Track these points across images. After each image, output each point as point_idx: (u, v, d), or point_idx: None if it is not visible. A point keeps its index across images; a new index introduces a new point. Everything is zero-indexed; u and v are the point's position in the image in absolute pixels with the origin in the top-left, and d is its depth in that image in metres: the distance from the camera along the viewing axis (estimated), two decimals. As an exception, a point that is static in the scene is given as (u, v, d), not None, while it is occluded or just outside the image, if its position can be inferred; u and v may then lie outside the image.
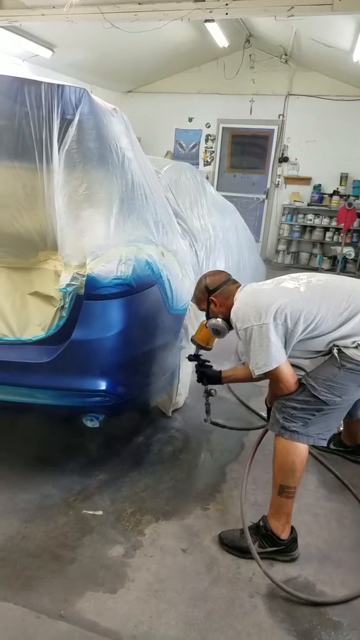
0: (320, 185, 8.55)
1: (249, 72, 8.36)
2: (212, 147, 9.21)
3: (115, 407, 2.45)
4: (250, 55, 8.22)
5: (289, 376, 2.06)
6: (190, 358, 2.64)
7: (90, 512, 2.35)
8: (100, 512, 2.35)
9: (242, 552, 2.13)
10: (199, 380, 2.60)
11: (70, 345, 2.21)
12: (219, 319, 2.30)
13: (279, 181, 8.84)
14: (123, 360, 2.37)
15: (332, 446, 2.88)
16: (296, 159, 8.70)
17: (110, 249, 2.23)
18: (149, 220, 2.51)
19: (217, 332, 2.35)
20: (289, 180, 8.79)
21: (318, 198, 8.50)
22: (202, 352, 2.58)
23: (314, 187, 8.59)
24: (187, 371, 3.25)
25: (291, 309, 2.00)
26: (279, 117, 8.62)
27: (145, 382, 2.61)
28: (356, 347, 2.01)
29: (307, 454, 2.09)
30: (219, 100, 8.74)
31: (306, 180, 8.67)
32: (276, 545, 2.11)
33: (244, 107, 8.66)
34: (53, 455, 2.77)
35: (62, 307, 2.23)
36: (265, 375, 2.07)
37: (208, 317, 2.37)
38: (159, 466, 2.73)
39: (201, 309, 2.43)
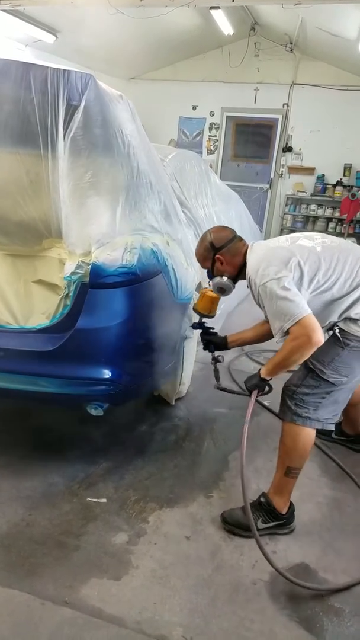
0: (323, 175, 8.50)
1: (253, 61, 8.30)
2: (215, 136, 9.16)
3: (120, 396, 2.46)
4: (255, 44, 8.15)
5: (318, 325, 1.92)
6: (195, 326, 2.66)
7: (94, 500, 2.36)
8: (104, 500, 2.36)
9: (245, 529, 2.16)
10: (205, 348, 2.60)
11: (74, 333, 2.20)
12: (225, 277, 2.25)
13: (282, 171, 8.79)
14: (127, 349, 2.37)
15: (333, 436, 2.90)
16: (300, 149, 8.65)
17: (116, 238, 2.22)
18: (154, 209, 2.49)
19: (222, 291, 2.30)
20: (293, 170, 8.75)
21: (321, 188, 8.46)
22: (205, 320, 2.59)
23: (318, 178, 8.54)
24: (190, 360, 3.26)
25: (310, 264, 1.99)
26: (283, 106, 8.55)
27: (149, 371, 2.61)
28: (355, 321, 2.03)
29: (314, 436, 2.14)
30: (223, 88, 8.67)
31: (310, 171, 8.63)
32: (278, 520, 2.19)
33: (248, 95, 8.60)
34: (57, 443, 2.78)
35: (67, 295, 2.22)
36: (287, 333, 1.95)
37: (211, 275, 2.30)
38: (163, 454, 2.74)
39: (204, 267, 2.35)
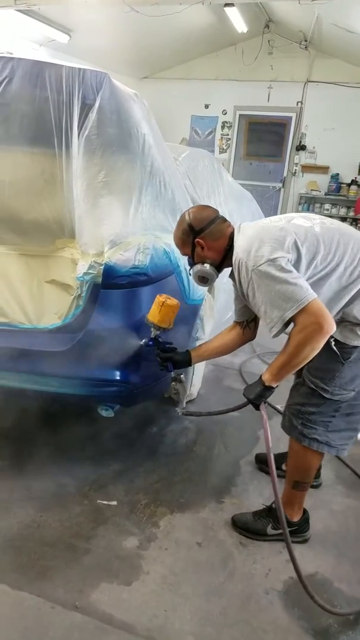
0: (338, 174, 8.42)
1: (267, 58, 8.24)
2: (228, 134, 9.10)
3: (130, 397, 2.44)
4: (269, 41, 8.09)
5: (327, 311, 1.67)
6: (148, 344, 2.21)
7: (105, 502, 2.33)
8: (114, 503, 2.34)
9: (255, 534, 2.14)
10: (161, 368, 2.23)
11: (86, 334, 2.18)
12: (207, 265, 1.97)
13: (296, 170, 8.72)
14: (139, 350, 2.34)
15: None
16: (314, 147, 8.57)
17: (129, 238, 2.19)
18: (168, 208, 2.46)
19: (204, 280, 2.02)
20: (306, 168, 8.67)
21: (335, 187, 8.38)
22: (160, 333, 2.20)
23: (332, 176, 8.46)
24: (201, 362, 3.22)
25: (307, 246, 1.76)
26: (297, 104, 8.48)
27: (160, 373, 2.58)
28: (353, 328, 1.83)
29: (322, 454, 2.05)
30: (236, 86, 8.62)
31: (324, 169, 8.55)
32: (289, 526, 2.09)
33: (261, 93, 8.54)
34: (68, 444, 2.75)
35: (79, 295, 2.19)
36: (289, 323, 1.71)
37: (192, 263, 2.03)
38: (173, 458, 2.71)
39: (184, 254, 2.07)
